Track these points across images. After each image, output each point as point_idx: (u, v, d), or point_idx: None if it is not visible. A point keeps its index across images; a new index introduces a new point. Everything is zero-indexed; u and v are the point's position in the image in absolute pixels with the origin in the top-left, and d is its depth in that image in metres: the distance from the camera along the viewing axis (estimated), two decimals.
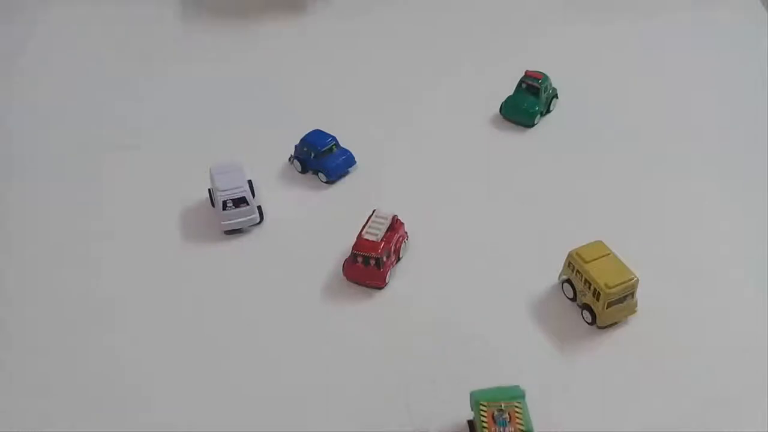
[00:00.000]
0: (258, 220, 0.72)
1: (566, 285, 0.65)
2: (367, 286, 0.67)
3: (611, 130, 0.81)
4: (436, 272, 0.69)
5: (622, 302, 0.63)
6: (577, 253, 0.64)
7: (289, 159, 0.78)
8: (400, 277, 0.69)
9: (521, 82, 0.82)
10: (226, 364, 0.63)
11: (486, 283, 0.68)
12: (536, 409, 0.59)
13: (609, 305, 0.62)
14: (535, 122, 0.82)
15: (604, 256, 0.64)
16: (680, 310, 0.66)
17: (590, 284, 0.62)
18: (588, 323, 0.64)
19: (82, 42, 0.97)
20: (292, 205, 0.75)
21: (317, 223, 0.74)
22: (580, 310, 0.64)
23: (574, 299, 0.65)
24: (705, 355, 0.62)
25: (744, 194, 0.74)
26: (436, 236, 0.72)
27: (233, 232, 0.72)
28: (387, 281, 0.67)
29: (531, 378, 0.61)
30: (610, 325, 0.64)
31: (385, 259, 0.66)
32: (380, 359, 0.63)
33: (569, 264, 0.65)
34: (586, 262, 0.63)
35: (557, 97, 0.84)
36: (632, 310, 0.64)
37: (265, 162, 0.79)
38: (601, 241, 0.65)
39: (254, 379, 0.61)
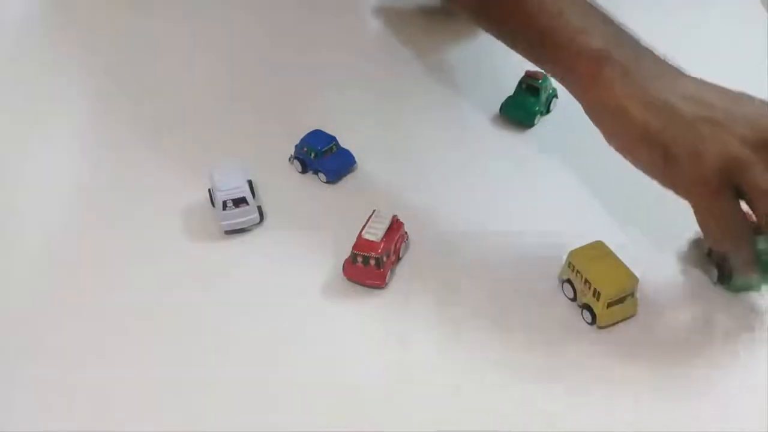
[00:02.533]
0: (258, 220, 0.72)
1: (566, 285, 0.65)
2: (367, 286, 0.67)
3: None
4: (436, 272, 0.69)
5: (622, 302, 0.63)
6: (576, 253, 0.64)
7: (289, 159, 0.78)
8: (400, 277, 0.68)
9: (521, 82, 0.82)
10: (226, 363, 0.62)
11: (486, 283, 0.68)
12: (535, 408, 0.59)
13: (609, 305, 0.62)
14: (535, 122, 0.82)
15: (604, 255, 0.64)
16: (680, 310, 0.66)
17: (590, 284, 0.62)
18: (588, 323, 0.64)
19: (81, 41, 0.97)
20: (292, 205, 0.75)
21: (317, 223, 0.73)
22: (580, 310, 0.64)
23: (574, 299, 0.65)
24: (705, 355, 0.62)
25: None
26: (436, 236, 0.71)
27: (233, 232, 0.71)
28: (387, 281, 0.67)
29: (530, 378, 0.61)
30: (611, 325, 0.64)
31: (385, 259, 0.66)
32: (380, 359, 0.63)
33: (569, 264, 0.65)
34: (586, 262, 0.63)
35: (557, 97, 0.84)
36: (632, 310, 0.64)
37: (265, 162, 0.79)
38: (601, 241, 0.65)
39: (254, 379, 0.61)
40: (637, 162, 0.61)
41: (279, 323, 0.65)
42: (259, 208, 0.72)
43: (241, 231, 0.72)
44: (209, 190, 0.74)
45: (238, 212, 0.71)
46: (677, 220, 0.73)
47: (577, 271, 0.64)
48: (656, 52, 0.63)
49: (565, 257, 0.65)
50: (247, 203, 0.71)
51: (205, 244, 0.72)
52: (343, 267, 0.67)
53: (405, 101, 0.86)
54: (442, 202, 0.75)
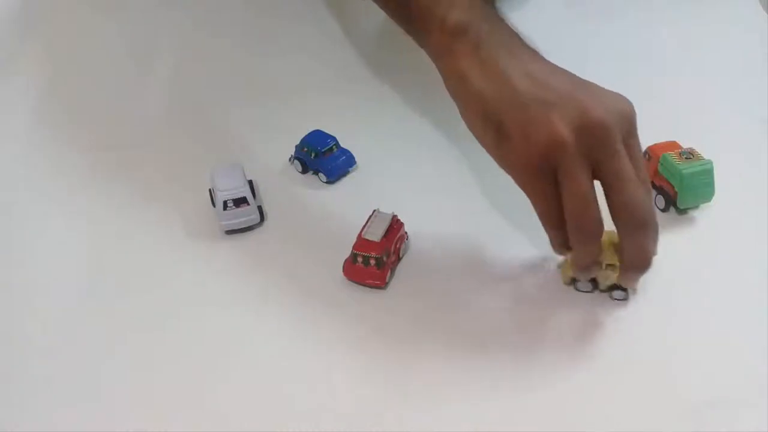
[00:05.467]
0: (258, 220, 0.72)
1: (580, 283, 0.65)
2: (367, 285, 0.67)
3: None
4: (436, 272, 0.69)
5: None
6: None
7: (289, 159, 0.78)
8: (400, 277, 0.69)
9: None
10: (226, 363, 0.63)
11: (487, 283, 0.68)
12: (531, 406, 0.59)
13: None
14: None
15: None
16: (678, 308, 0.66)
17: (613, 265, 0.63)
18: (621, 299, 0.65)
19: (81, 41, 0.97)
20: (292, 205, 0.75)
21: (317, 223, 0.74)
22: (607, 293, 0.65)
23: (593, 290, 0.65)
24: (703, 354, 0.62)
25: (742, 195, 0.74)
26: (436, 236, 0.72)
27: (234, 232, 0.71)
28: (387, 281, 0.67)
29: (529, 376, 0.61)
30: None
31: (385, 259, 0.66)
32: (380, 359, 0.63)
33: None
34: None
35: None
36: None
37: (265, 162, 0.79)
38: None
39: (254, 379, 0.61)
40: (476, 136, 0.61)
41: (278, 322, 0.65)
42: (260, 208, 0.73)
43: (241, 231, 0.72)
44: (210, 190, 0.74)
45: (238, 212, 0.71)
46: (675, 218, 0.73)
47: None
48: (516, 32, 0.63)
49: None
50: (248, 203, 0.71)
51: (205, 244, 0.72)
52: (343, 267, 0.67)
53: (405, 101, 0.87)
54: (442, 202, 0.75)
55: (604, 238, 0.62)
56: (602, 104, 0.57)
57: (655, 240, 0.59)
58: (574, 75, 0.61)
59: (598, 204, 0.58)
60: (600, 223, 0.58)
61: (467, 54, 0.60)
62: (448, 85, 0.63)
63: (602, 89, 0.60)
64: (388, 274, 0.67)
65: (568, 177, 0.57)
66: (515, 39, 0.62)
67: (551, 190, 0.58)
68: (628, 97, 0.61)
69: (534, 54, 0.62)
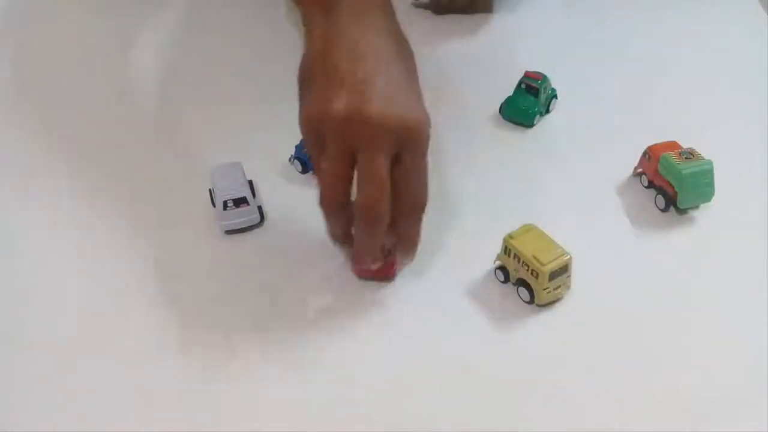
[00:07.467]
0: (258, 220, 0.72)
1: (498, 271, 0.66)
2: (376, 279, 0.67)
3: (611, 130, 0.81)
4: (436, 272, 0.69)
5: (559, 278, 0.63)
6: (512, 236, 0.65)
7: (289, 159, 0.78)
8: (400, 277, 0.69)
9: (521, 82, 0.82)
10: (225, 363, 0.63)
11: (486, 282, 0.68)
12: (533, 406, 0.59)
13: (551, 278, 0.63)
14: (535, 122, 0.82)
15: (537, 236, 0.65)
16: (678, 308, 0.66)
17: (527, 263, 0.63)
18: (526, 302, 0.65)
19: (81, 41, 0.97)
20: (292, 205, 0.75)
21: (317, 222, 0.73)
22: (515, 288, 0.65)
23: (505, 282, 0.66)
24: (703, 354, 0.63)
25: (742, 195, 0.74)
26: (435, 236, 0.72)
27: (234, 232, 0.71)
28: (396, 273, 0.67)
29: (530, 374, 0.61)
30: (549, 304, 0.65)
31: (391, 249, 0.66)
32: (380, 360, 0.63)
33: (504, 248, 0.65)
34: (522, 244, 0.64)
35: (557, 98, 0.84)
36: (567, 287, 0.65)
37: (265, 162, 0.79)
38: (531, 224, 0.66)
39: (254, 380, 0.61)
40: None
41: (279, 322, 0.65)
42: (260, 208, 0.73)
43: (241, 231, 0.72)
44: (210, 190, 0.74)
45: (238, 212, 0.71)
46: (676, 218, 0.73)
47: (513, 254, 0.64)
48: (386, 6, 0.64)
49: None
50: (248, 203, 0.71)
51: (205, 244, 0.72)
52: (352, 266, 0.67)
53: None
54: (441, 202, 0.75)
55: (528, 234, 0.64)
56: (389, 106, 0.57)
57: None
58: (404, 71, 0.61)
59: (345, 185, 0.59)
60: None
61: (317, 14, 0.62)
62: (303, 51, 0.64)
63: (413, 98, 0.60)
64: (396, 266, 0.67)
65: (334, 152, 0.59)
66: (374, 10, 0.63)
67: (320, 155, 0.60)
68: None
69: (384, 32, 0.62)
